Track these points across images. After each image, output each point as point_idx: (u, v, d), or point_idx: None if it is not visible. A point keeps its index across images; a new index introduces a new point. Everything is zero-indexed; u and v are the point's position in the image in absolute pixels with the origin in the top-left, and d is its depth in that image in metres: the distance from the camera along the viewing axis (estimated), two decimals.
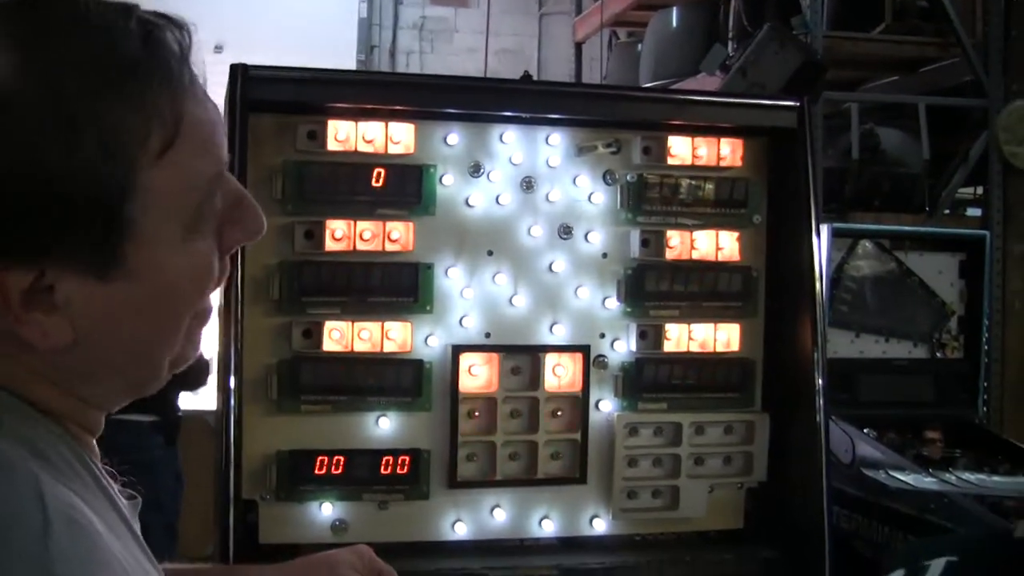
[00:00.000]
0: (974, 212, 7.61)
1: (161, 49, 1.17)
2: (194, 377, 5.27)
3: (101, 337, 1.18)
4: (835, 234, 5.62)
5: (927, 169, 6.91)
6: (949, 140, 7.11)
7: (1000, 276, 6.51)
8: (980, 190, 7.37)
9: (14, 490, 1.08)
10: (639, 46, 9.17)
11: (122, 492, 1.37)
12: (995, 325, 6.41)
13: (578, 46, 10.90)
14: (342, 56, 11.48)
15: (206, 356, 5.96)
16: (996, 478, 4.63)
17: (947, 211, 7.17)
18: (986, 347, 5.80)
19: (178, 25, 1.21)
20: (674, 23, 8.53)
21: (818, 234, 2.97)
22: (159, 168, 1.14)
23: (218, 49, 10.30)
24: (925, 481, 4.50)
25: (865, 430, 5.08)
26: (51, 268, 1.12)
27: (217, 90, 2.68)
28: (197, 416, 6.04)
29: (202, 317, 1.29)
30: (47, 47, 1.11)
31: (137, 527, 1.36)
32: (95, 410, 1.27)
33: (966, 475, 4.66)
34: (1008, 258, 6.69)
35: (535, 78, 10.63)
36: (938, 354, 5.57)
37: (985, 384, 5.76)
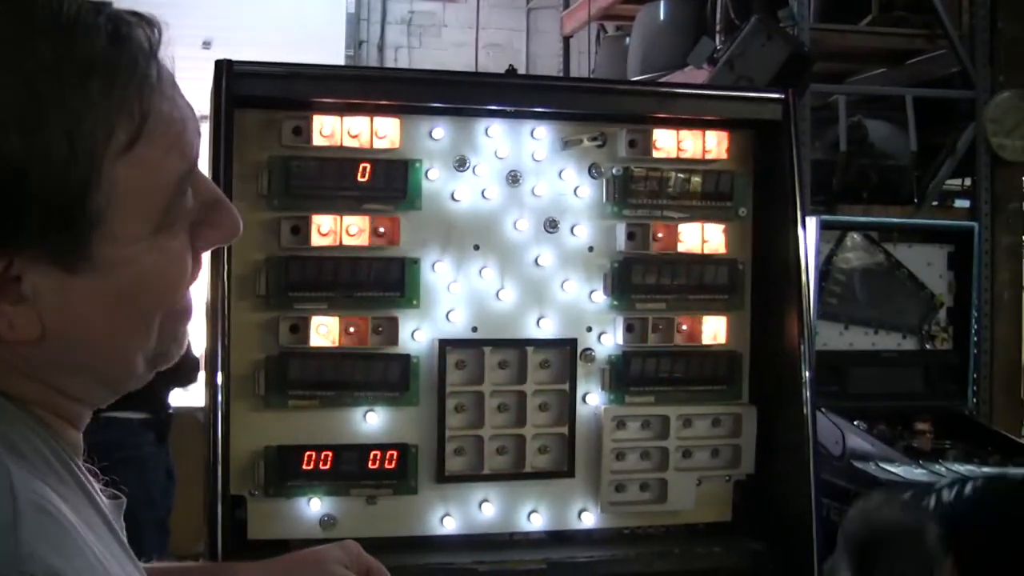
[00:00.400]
0: (962, 204, 7.62)
1: (128, 45, 1.17)
2: (184, 374, 5.27)
3: (69, 330, 1.18)
4: (823, 226, 5.63)
5: (915, 161, 6.91)
6: (937, 132, 7.12)
7: (988, 267, 6.52)
8: (968, 181, 7.38)
9: None
10: (627, 40, 9.18)
11: (105, 491, 1.36)
12: (984, 316, 6.42)
13: (566, 40, 10.90)
14: (330, 51, 11.45)
15: (195, 353, 5.97)
16: (986, 469, 4.65)
17: (935, 203, 7.17)
18: (975, 338, 5.82)
19: (148, 22, 1.21)
20: (661, 16, 8.52)
21: (804, 226, 2.97)
22: (126, 163, 1.15)
23: (206, 45, 10.29)
24: (915, 473, 4.52)
25: (855, 422, 5.10)
26: (18, 258, 1.12)
27: (204, 85, 2.69)
28: (187, 413, 6.03)
29: (180, 316, 1.29)
30: (14, 43, 1.10)
31: (120, 526, 1.36)
32: (75, 403, 1.27)
33: (956, 466, 4.68)
34: (996, 249, 6.71)
35: (523, 72, 10.65)
36: (927, 346, 5.58)
37: (974, 375, 5.79)
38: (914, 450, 4.90)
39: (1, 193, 1.09)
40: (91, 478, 1.32)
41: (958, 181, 7.71)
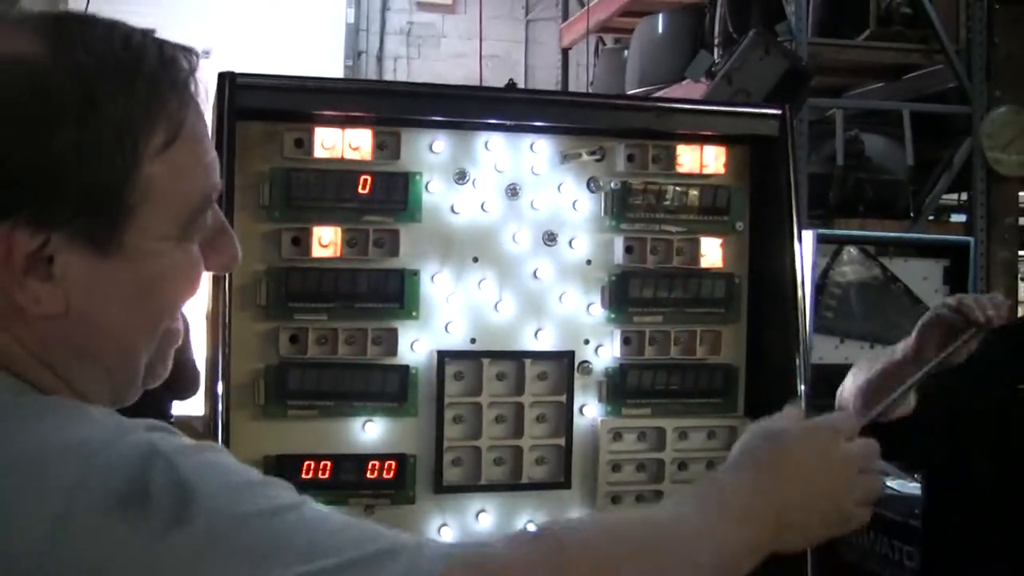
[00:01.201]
0: (958, 218, 7.65)
1: (172, 63, 1.31)
2: (185, 385, 5.27)
3: (89, 312, 1.26)
4: (820, 240, 5.66)
5: (911, 175, 6.94)
6: (933, 146, 7.15)
7: (984, 282, 6.54)
8: (964, 196, 7.41)
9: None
10: (625, 52, 9.20)
11: None
12: None
13: (565, 52, 10.92)
14: (329, 61, 11.48)
15: (197, 364, 5.97)
16: None
17: (931, 217, 7.20)
18: None
19: (187, 50, 1.34)
20: (660, 29, 8.55)
21: (800, 241, 3.00)
22: (160, 163, 1.26)
23: (205, 54, 10.28)
24: (910, 486, 4.53)
25: None
26: (56, 237, 1.22)
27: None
28: (185, 422, 6.04)
29: (173, 336, 1.38)
30: (80, 49, 1.24)
31: None
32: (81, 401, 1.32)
33: None
34: (992, 264, 6.73)
35: (522, 84, 10.70)
36: None
37: None
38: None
39: (53, 175, 1.21)
40: None
41: (954, 196, 7.75)
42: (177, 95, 1.29)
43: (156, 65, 1.28)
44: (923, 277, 5.79)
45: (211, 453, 1.21)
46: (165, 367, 1.40)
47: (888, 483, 4.58)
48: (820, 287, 5.64)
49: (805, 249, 4.60)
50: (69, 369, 1.28)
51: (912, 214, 6.90)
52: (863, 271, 5.77)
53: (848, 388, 2.86)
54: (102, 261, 1.25)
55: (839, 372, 5.31)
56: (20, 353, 1.26)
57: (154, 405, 5.20)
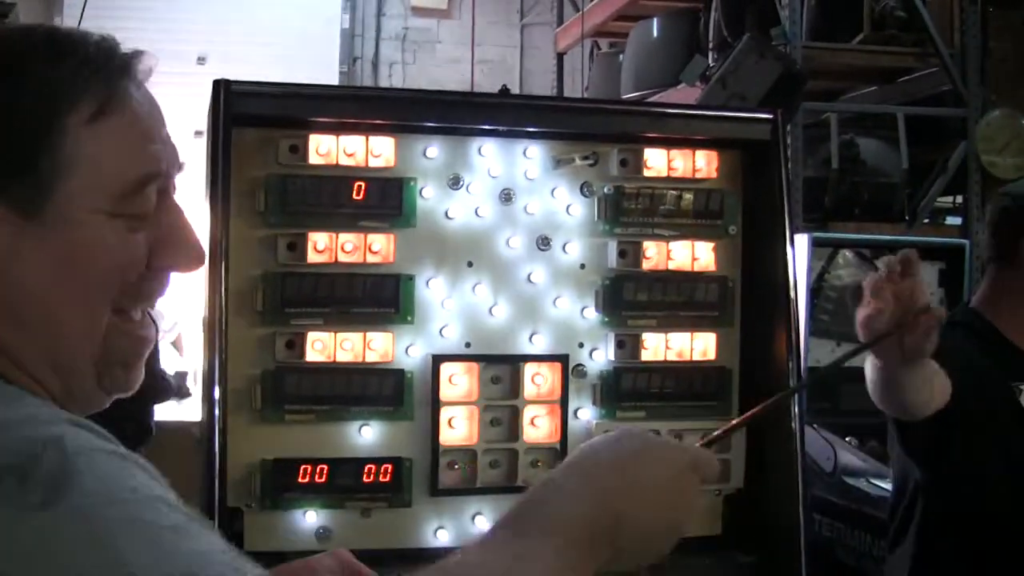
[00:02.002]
0: (954, 221, 7.67)
1: (107, 47, 1.37)
2: (154, 393, 5.24)
3: (15, 277, 1.30)
4: (815, 244, 5.67)
5: (906, 178, 6.96)
6: (928, 150, 7.17)
7: (980, 284, 6.55)
8: (960, 199, 7.43)
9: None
10: (620, 57, 9.23)
11: None
12: None
13: (560, 57, 10.95)
14: (325, 67, 11.51)
15: (171, 372, 5.96)
16: None
17: (926, 220, 7.22)
18: None
19: (139, 53, 1.41)
20: (655, 34, 8.58)
21: (793, 244, 3.01)
22: (89, 134, 1.31)
23: (201, 60, 10.34)
24: None
25: (847, 438, 5.12)
26: None
27: (200, 101, 2.73)
28: (181, 427, 6.05)
29: (133, 338, 1.40)
30: (17, 32, 1.38)
31: None
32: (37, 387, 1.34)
33: None
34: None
35: (517, 89, 10.72)
36: None
37: None
38: None
39: None
40: None
41: (949, 199, 7.77)
42: (105, 74, 1.34)
43: (89, 48, 1.35)
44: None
45: (120, 461, 1.20)
46: (130, 374, 1.41)
47: (883, 485, 4.60)
48: (816, 291, 5.65)
49: (800, 253, 4.62)
50: (11, 344, 1.30)
51: (907, 217, 6.92)
52: (859, 274, 5.77)
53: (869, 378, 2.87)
54: (28, 223, 1.28)
55: (837, 375, 5.36)
56: None
57: (133, 414, 5.18)
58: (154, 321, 1.45)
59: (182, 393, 7.37)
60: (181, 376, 7.45)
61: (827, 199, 6.78)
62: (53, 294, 1.31)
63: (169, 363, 6.03)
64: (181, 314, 7.78)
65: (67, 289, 1.31)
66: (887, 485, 4.52)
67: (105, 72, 1.34)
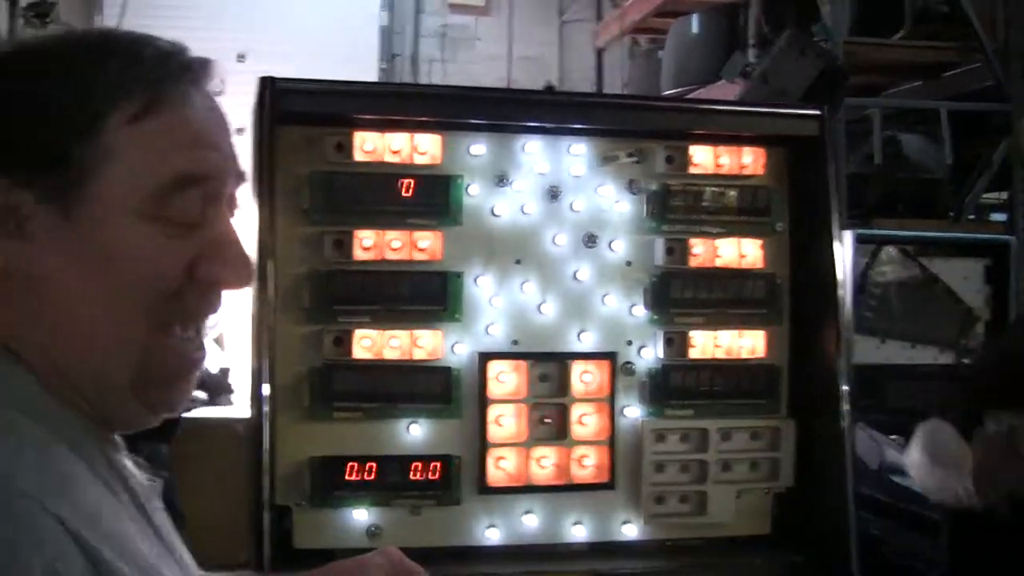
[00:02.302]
0: (998, 217, 7.60)
1: (166, 51, 1.35)
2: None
3: (52, 277, 1.28)
4: (859, 240, 5.63)
5: (950, 174, 6.91)
6: (972, 145, 7.11)
7: None
8: (1004, 195, 7.36)
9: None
10: (659, 53, 9.20)
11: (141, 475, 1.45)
12: None
13: (599, 53, 10.93)
14: (363, 64, 11.51)
15: (214, 371, 5.95)
16: None
17: (971, 216, 7.16)
18: None
19: (200, 57, 1.38)
20: (694, 30, 8.55)
21: (840, 241, 2.99)
22: (130, 133, 1.29)
23: (240, 58, 10.36)
24: None
25: (892, 436, 5.09)
26: (25, 195, 1.26)
27: (239, 98, 2.73)
28: (224, 423, 6.08)
29: (176, 355, 1.35)
30: (77, 32, 1.39)
31: (154, 507, 1.43)
32: (76, 394, 1.32)
33: None
34: None
35: (556, 86, 10.69)
36: (965, 360, 5.57)
37: None
38: None
39: (15, 125, 1.27)
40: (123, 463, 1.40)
41: (994, 195, 7.70)
42: (155, 75, 1.31)
43: (146, 50, 1.33)
44: (964, 277, 5.75)
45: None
46: (171, 393, 1.37)
47: None
48: (860, 287, 5.61)
49: (844, 250, 4.59)
50: (41, 336, 1.28)
51: (952, 213, 6.86)
52: (903, 271, 5.74)
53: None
54: (66, 224, 1.26)
55: (881, 373, 5.34)
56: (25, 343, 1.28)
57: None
58: (199, 339, 1.38)
59: (224, 390, 7.41)
60: (224, 372, 7.49)
61: (870, 195, 6.73)
62: (83, 297, 1.28)
63: (212, 361, 6.04)
64: (223, 311, 7.80)
65: (97, 293, 1.28)
66: None
67: (158, 74, 1.31)
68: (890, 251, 5.76)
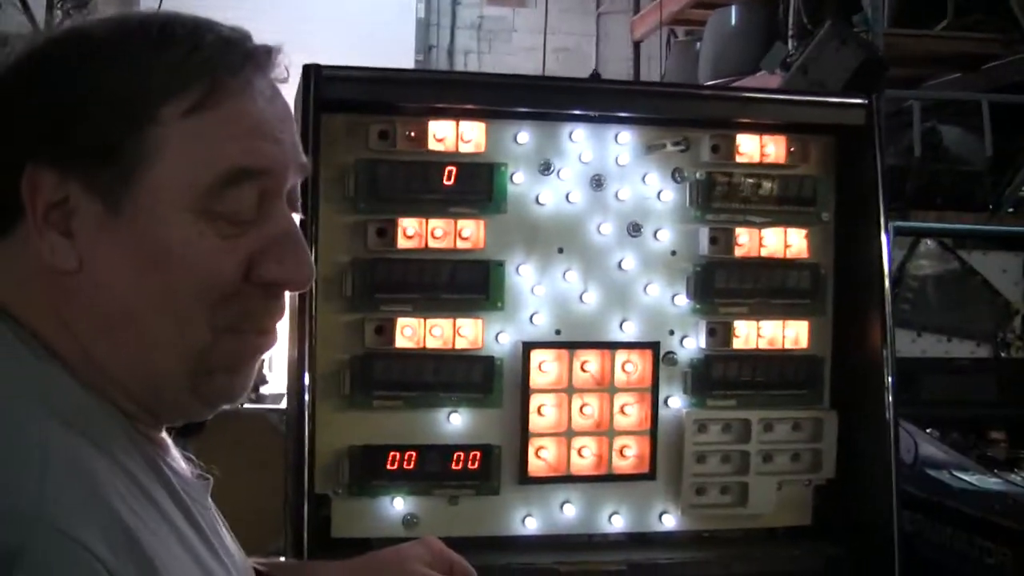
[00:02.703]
0: None
1: (227, 39, 1.31)
2: None
3: (99, 274, 1.24)
4: (897, 232, 5.59)
5: (990, 167, 6.85)
6: (1013, 137, 7.05)
7: None
8: None
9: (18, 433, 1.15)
10: (698, 44, 9.15)
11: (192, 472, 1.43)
12: None
13: (636, 45, 10.87)
14: (400, 56, 11.49)
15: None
16: None
17: (1011, 209, 7.10)
18: None
19: (264, 45, 1.35)
20: (733, 21, 8.50)
21: (887, 232, 2.97)
22: (184, 126, 1.24)
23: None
24: (989, 482, 4.47)
25: (928, 430, 5.06)
26: (74, 188, 1.23)
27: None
28: (258, 414, 6.06)
29: (243, 342, 1.32)
30: (135, 17, 1.32)
31: (205, 506, 1.41)
32: (117, 389, 1.30)
33: None
34: None
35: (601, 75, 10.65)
36: (1002, 354, 5.52)
37: None
38: (988, 459, 4.84)
39: (67, 116, 1.23)
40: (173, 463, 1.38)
41: None
42: (211, 65, 1.27)
43: (207, 37, 1.29)
44: (1003, 270, 5.70)
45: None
46: (235, 379, 1.34)
47: (966, 478, 4.54)
48: (897, 280, 5.57)
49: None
50: (83, 332, 1.26)
51: (991, 206, 6.80)
52: (940, 264, 5.69)
53: None
54: (114, 219, 1.23)
55: (917, 366, 5.30)
56: (35, 304, 1.26)
57: None
58: (266, 329, 1.34)
59: (259, 382, 7.41)
60: (259, 363, 7.48)
61: (908, 187, 6.68)
62: (135, 297, 1.25)
63: None
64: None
65: (149, 292, 1.25)
66: (969, 477, 4.47)
67: (217, 64, 1.27)
68: (928, 244, 5.72)
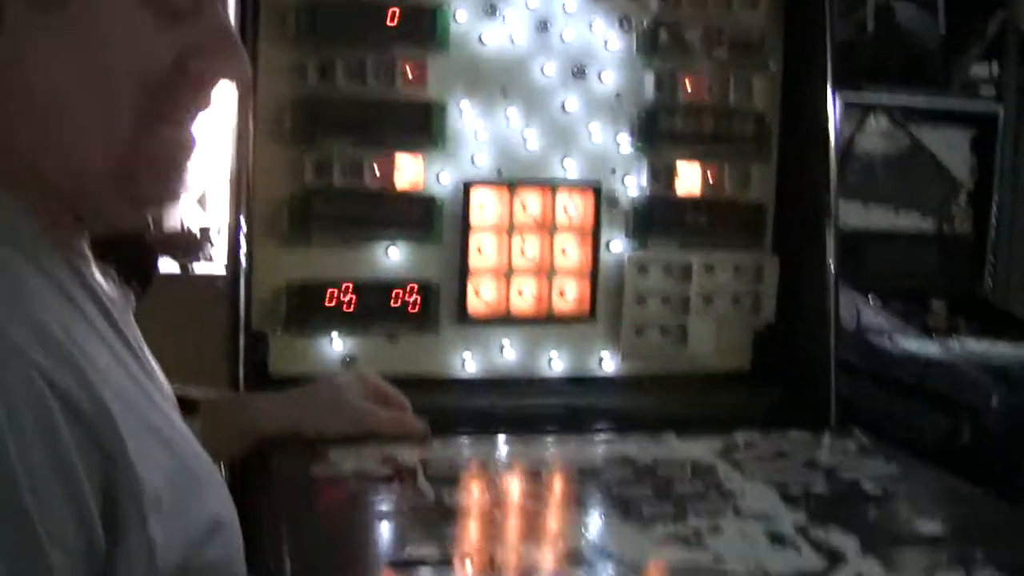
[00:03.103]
0: (989, 92, 7.55)
1: None
2: (184, 249, 5.17)
3: (28, 61, 1.21)
4: (847, 106, 5.59)
5: (942, 45, 6.84)
6: (967, 17, 7.03)
7: (1012, 153, 6.47)
8: (995, 68, 7.30)
9: None
10: None
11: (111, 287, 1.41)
12: (1005, 200, 6.38)
13: None
14: None
15: (195, 229, 5.89)
16: (1001, 348, 4.64)
17: (961, 88, 7.11)
18: (995, 222, 5.80)
19: None
20: None
21: (833, 92, 2.95)
22: None
23: None
24: (929, 348, 4.52)
25: (869, 297, 5.10)
26: None
27: None
28: (204, 279, 6.02)
29: (167, 143, 1.31)
30: None
31: (126, 321, 1.39)
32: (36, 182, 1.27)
33: (970, 343, 4.67)
34: (1021, 136, 6.65)
35: None
36: (946, 227, 5.57)
37: (992, 259, 5.77)
38: (929, 327, 4.90)
39: None
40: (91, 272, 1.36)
41: (987, 71, 7.64)
42: None
43: None
44: (949, 146, 5.73)
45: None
46: (159, 183, 1.33)
47: (905, 344, 4.58)
48: (845, 153, 5.59)
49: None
50: (6, 124, 1.24)
51: (941, 83, 6.80)
52: (889, 138, 5.72)
53: None
54: (45, 4, 1.19)
55: (864, 237, 5.33)
56: None
57: (141, 259, 5.10)
58: (187, 131, 1.34)
59: (204, 249, 7.36)
60: (205, 232, 7.42)
61: (860, 63, 6.66)
62: (62, 85, 1.22)
63: (193, 220, 5.98)
64: (205, 171, 7.74)
65: (78, 81, 1.23)
66: (908, 344, 4.51)
67: None
68: (878, 118, 5.73)
